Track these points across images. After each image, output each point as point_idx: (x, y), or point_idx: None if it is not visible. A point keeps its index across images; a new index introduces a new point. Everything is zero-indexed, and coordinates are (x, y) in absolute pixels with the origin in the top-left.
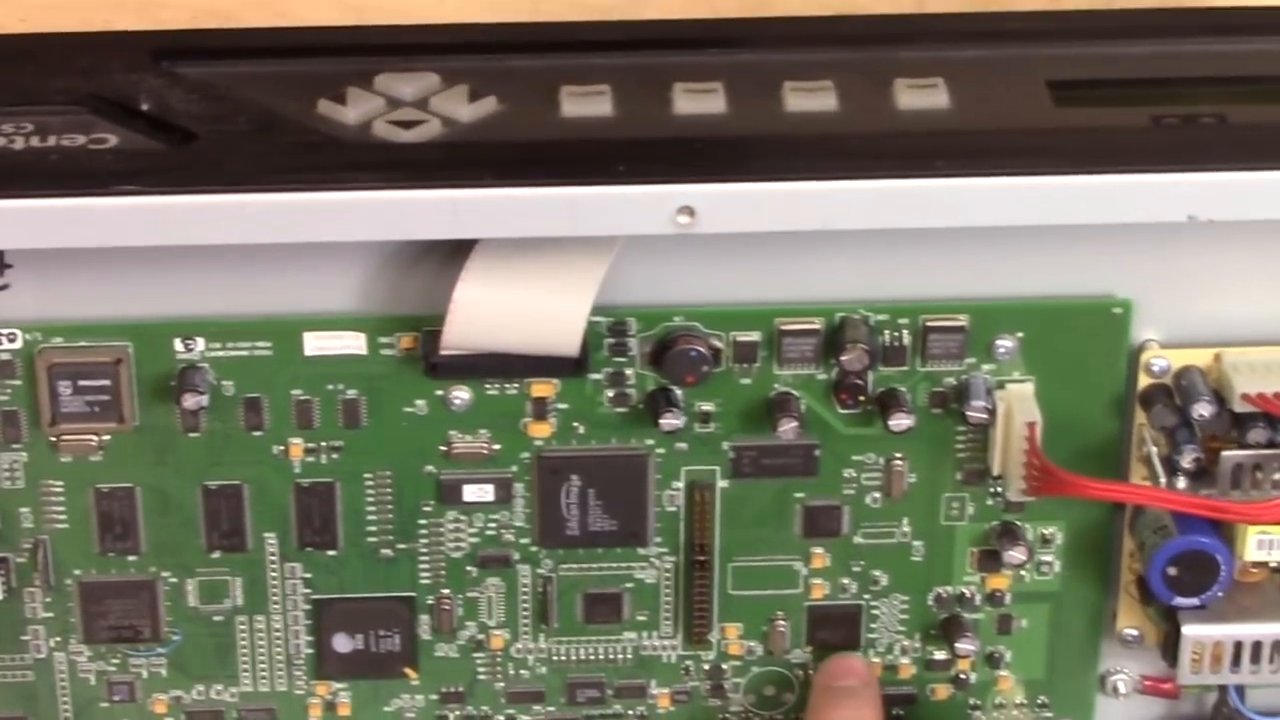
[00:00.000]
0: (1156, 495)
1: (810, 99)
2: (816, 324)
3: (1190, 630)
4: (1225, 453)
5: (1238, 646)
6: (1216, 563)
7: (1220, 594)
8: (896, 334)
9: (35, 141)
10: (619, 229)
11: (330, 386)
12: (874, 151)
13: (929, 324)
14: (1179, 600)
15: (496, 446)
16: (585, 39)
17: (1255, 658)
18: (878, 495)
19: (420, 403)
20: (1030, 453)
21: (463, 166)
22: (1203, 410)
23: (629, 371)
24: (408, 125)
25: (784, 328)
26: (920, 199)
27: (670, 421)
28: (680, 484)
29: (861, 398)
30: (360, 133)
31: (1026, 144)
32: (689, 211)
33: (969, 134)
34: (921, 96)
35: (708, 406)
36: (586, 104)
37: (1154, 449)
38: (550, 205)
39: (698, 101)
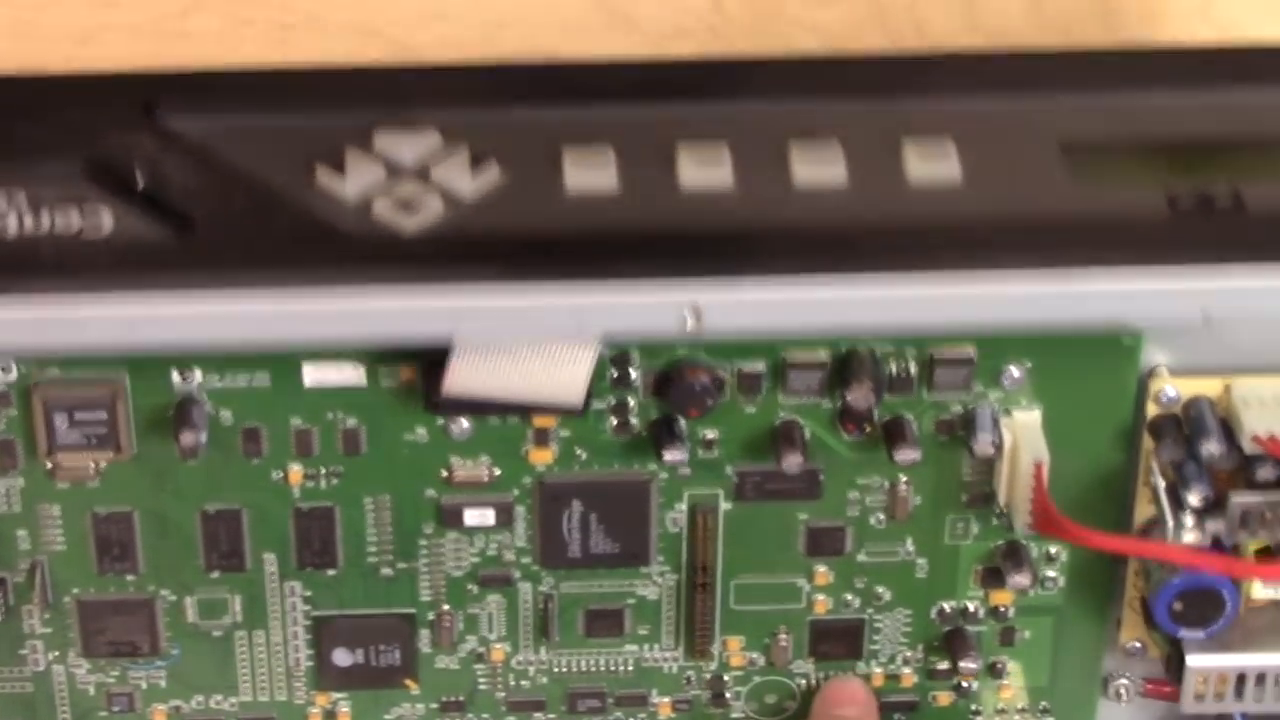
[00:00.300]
0: (1164, 550)
1: (818, 168)
2: (823, 356)
3: (1195, 661)
4: (1234, 497)
5: (1241, 677)
6: (1222, 598)
7: (1225, 627)
8: (903, 364)
9: (29, 221)
10: (625, 331)
11: (330, 415)
12: (884, 246)
13: (935, 356)
14: (1184, 633)
15: (497, 472)
16: (588, 85)
17: (1260, 684)
18: (881, 516)
19: (421, 430)
20: (1037, 496)
21: (464, 267)
22: (1211, 449)
23: (632, 401)
24: (409, 208)
25: (790, 359)
26: (931, 300)
27: (674, 455)
28: (683, 506)
29: (867, 427)
30: (360, 215)
31: (1039, 240)
32: (696, 315)
33: (981, 224)
34: (931, 165)
35: (711, 434)
36: (590, 173)
37: (1161, 482)
38: (553, 312)
39: (703, 171)
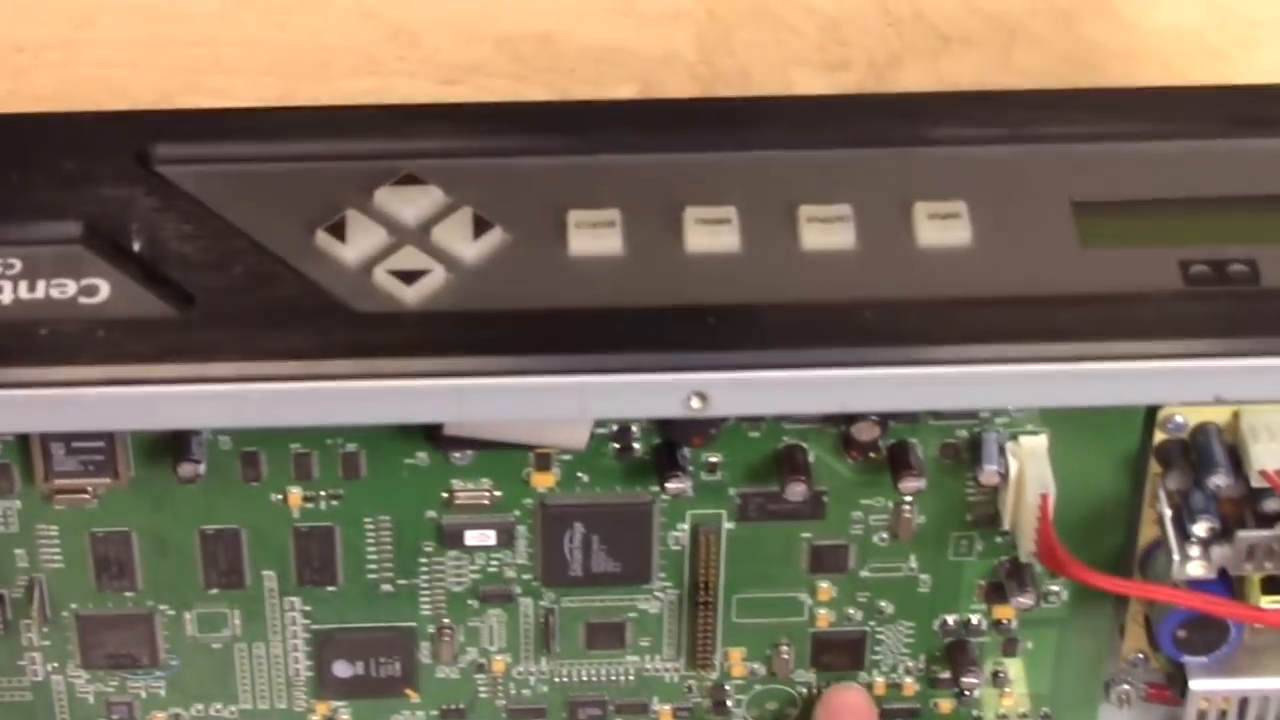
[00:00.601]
0: (1167, 594)
1: (827, 234)
2: None
3: (1198, 685)
4: (1241, 533)
5: (1244, 701)
6: (1227, 627)
7: (1229, 654)
8: None
9: (24, 291)
10: (631, 414)
11: (329, 441)
12: (892, 330)
13: None
14: (1188, 659)
15: (498, 494)
16: (592, 130)
17: (1263, 711)
18: (885, 535)
19: (421, 455)
20: (1042, 526)
21: (466, 346)
22: (1218, 482)
23: (634, 428)
24: (410, 277)
25: None
26: (938, 387)
27: (677, 485)
28: (685, 526)
29: (872, 454)
30: (360, 282)
31: (1050, 318)
32: (702, 398)
33: (991, 302)
34: (942, 231)
35: (714, 459)
36: (595, 239)
37: (1168, 512)
38: (558, 394)
39: (710, 236)
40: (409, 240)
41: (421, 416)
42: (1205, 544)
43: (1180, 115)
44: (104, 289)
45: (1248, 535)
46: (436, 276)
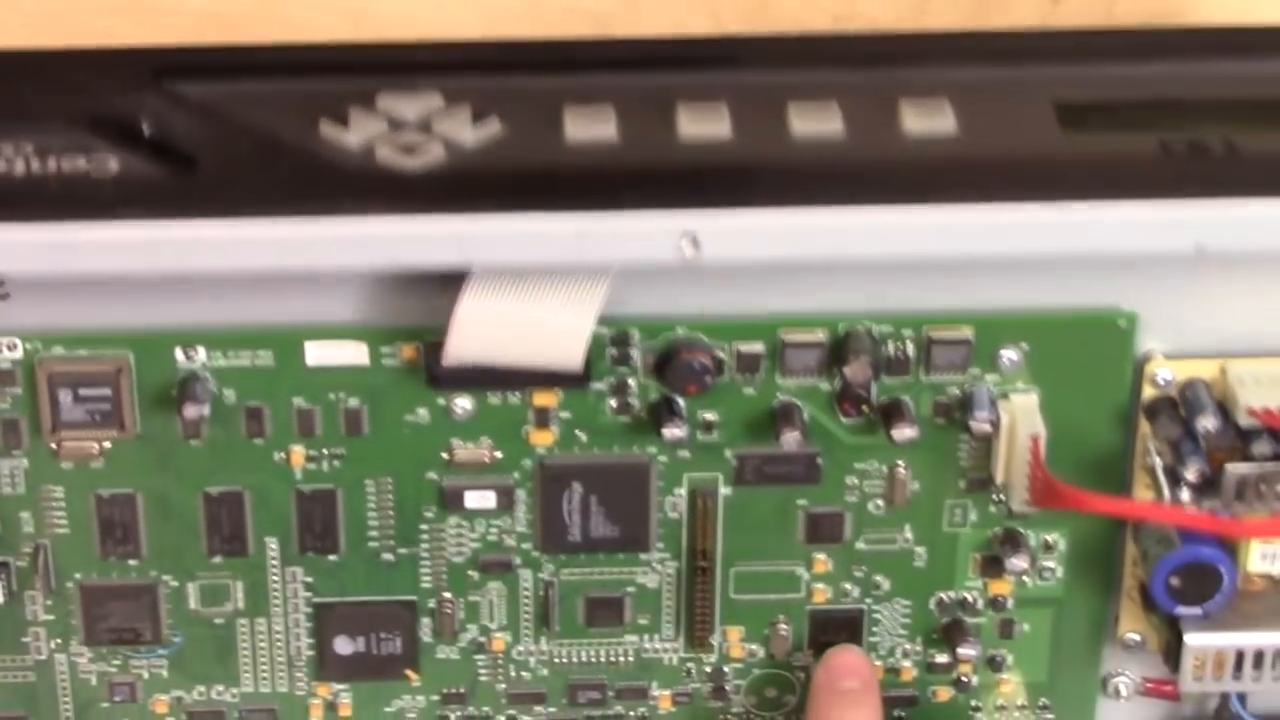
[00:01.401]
0: (1159, 511)
1: (815, 122)
2: (820, 336)
3: (1192, 639)
4: (1229, 466)
5: (1240, 655)
6: (1219, 574)
7: (1223, 604)
8: (900, 345)
9: (36, 165)
10: (624, 259)
11: (332, 396)
12: (880, 179)
13: (933, 337)
14: (1182, 610)
15: (498, 454)
16: (589, 57)
17: (1258, 665)
18: (880, 503)
19: (422, 411)
20: (1034, 466)
21: (466, 195)
22: (1207, 424)
23: (631, 381)
24: (410, 150)
25: (788, 339)
26: (926, 228)
27: (673, 431)
28: (682, 491)
29: (865, 408)
30: (363, 157)
31: (1032, 172)
32: (694, 242)
33: (975, 161)
34: (927, 120)
35: (710, 416)
36: (590, 126)
37: (1158, 460)
38: (554, 236)
39: (702, 124)
40: (410, 127)
41: (421, 261)
42: (1196, 490)
43: (1158, 44)
44: (113, 164)
45: (1237, 468)
46: (437, 151)
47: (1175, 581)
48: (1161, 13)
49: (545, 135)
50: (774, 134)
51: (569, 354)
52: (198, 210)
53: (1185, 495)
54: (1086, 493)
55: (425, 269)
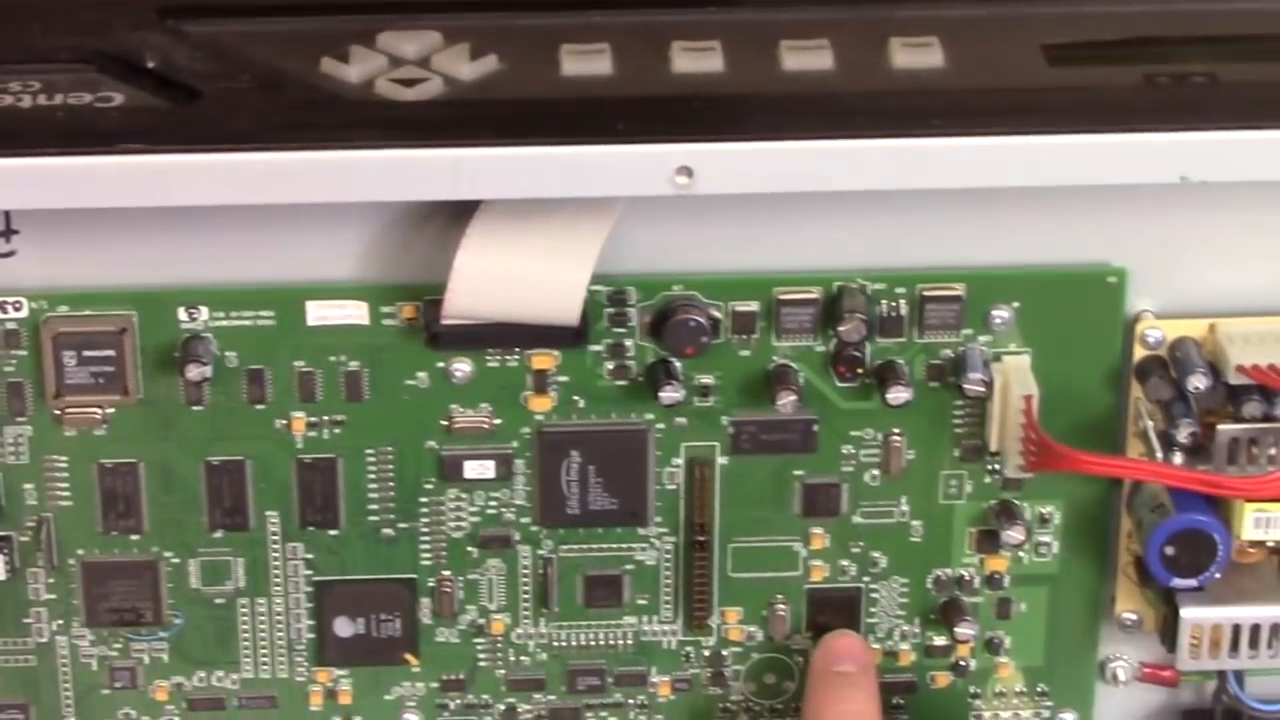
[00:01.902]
0: (1152, 470)
1: (806, 58)
2: (814, 293)
3: (1189, 613)
4: (1221, 427)
5: (1236, 630)
6: (1214, 542)
7: (1218, 574)
8: (894, 304)
9: (42, 99)
10: (618, 189)
11: (332, 358)
12: (870, 111)
13: (925, 294)
14: (1177, 581)
15: (497, 421)
16: None
17: (1254, 642)
18: (876, 473)
19: (421, 375)
20: (1027, 427)
21: (463, 125)
22: (1197, 383)
23: (629, 343)
24: (409, 84)
25: (782, 297)
26: (914, 158)
27: (670, 394)
28: (680, 460)
29: (859, 370)
30: (362, 91)
31: (1019, 103)
32: (687, 172)
33: (962, 93)
34: (916, 56)
35: (707, 379)
36: (586, 62)
37: (1150, 423)
38: (549, 165)
39: (695, 60)
40: (409, 63)
41: (419, 191)
42: (1188, 452)
43: None
44: (118, 98)
45: (1228, 429)
46: (435, 85)
47: (1170, 551)
48: None
49: (542, 71)
50: (766, 69)
51: (566, 307)
52: (200, 141)
53: (1177, 458)
54: (1079, 453)
55: (423, 199)
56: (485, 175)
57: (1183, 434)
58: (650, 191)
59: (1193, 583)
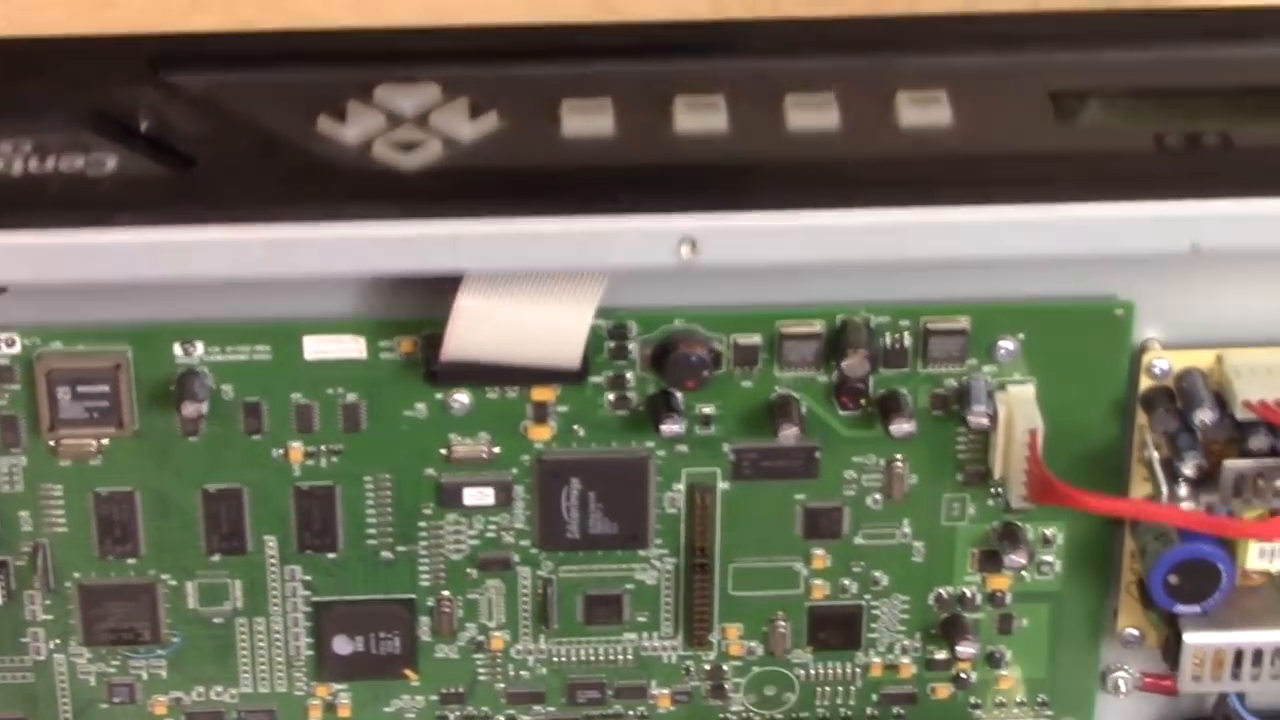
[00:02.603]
0: (1157, 511)
1: (812, 114)
2: (818, 327)
3: (1191, 638)
4: (1227, 463)
5: (1239, 654)
6: (1218, 571)
7: (1221, 601)
8: (898, 336)
9: (34, 164)
10: (621, 261)
11: (330, 390)
12: (877, 179)
13: (930, 327)
14: (1180, 608)
15: (496, 449)
16: (586, 44)
17: (1256, 664)
18: (878, 497)
19: (420, 406)
20: (1031, 462)
21: (463, 197)
22: (1204, 417)
23: (629, 375)
24: (408, 147)
25: (785, 331)
26: (921, 230)
27: (671, 427)
28: (681, 486)
29: (863, 400)
30: (360, 155)
31: (1028, 172)
32: (691, 244)
33: (971, 158)
34: (924, 112)
35: (708, 409)
36: (587, 120)
37: (1155, 454)
38: (551, 239)
39: (699, 117)
40: (407, 123)
41: (419, 264)
42: (1194, 484)
43: (1154, 28)
44: (111, 162)
45: (1235, 464)
46: (434, 149)
47: (1174, 579)
48: None
49: (543, 129)
50: (770, 128)
51: (568, 352)
52: (195, 211)
53: (1183, 490)
54: (1084, 492)
55: (422, 271)
56: (485, 249)
57: (1188, 467)
58: (654, 264)
59: (1196, 609)
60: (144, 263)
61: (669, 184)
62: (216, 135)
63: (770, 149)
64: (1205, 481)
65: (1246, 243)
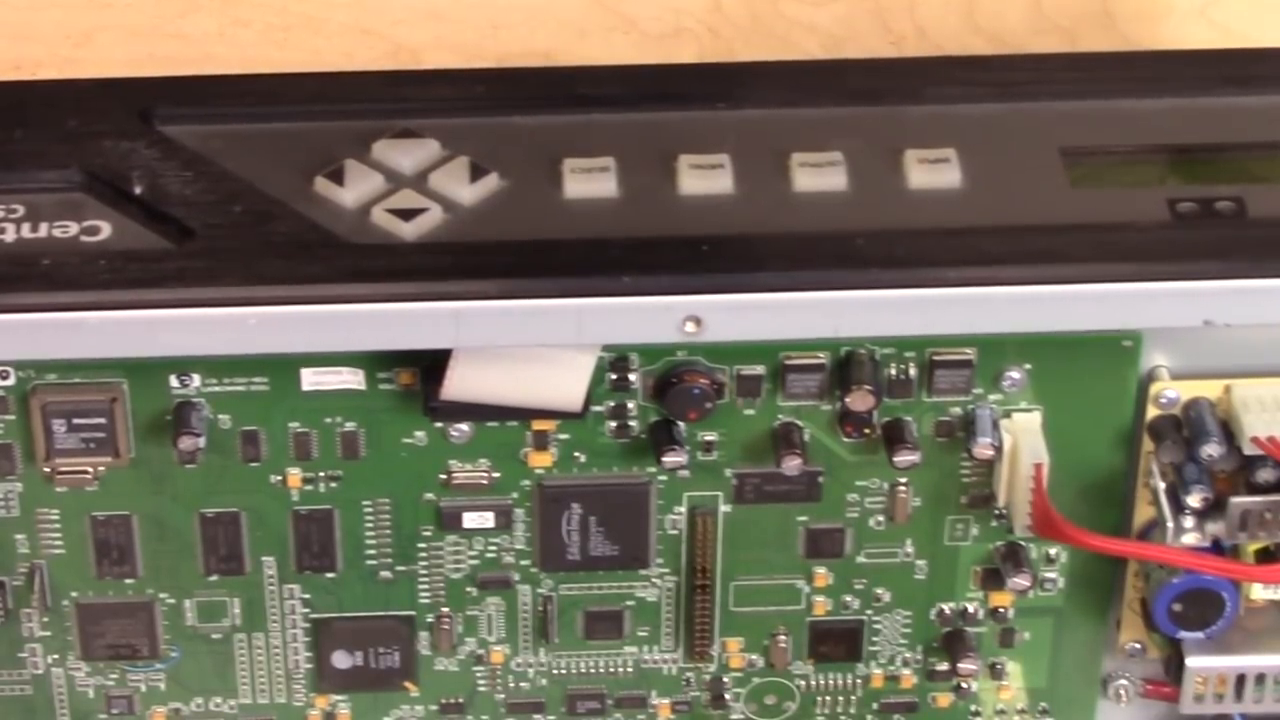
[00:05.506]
0: (1161, 552)
1: (819, 176)
2: (821, 358)
3: (1194, 662)
4: (1234, 500)
5: (1241, 678)
6: (1222, 600)
7: (1225, 627)
8: (903, 367)
9: (27, 230)
10: (624, 338)
11: (328, 420)
12: (884, 255)
13: (935, 358)
14: (1184, 634)
15: (496, 475)
16: (587, 90)
17: (1259, 685)
18: (881, 519)
19: (419, 434)
20: (1036, 495)
21: (464, 272)
22: (1211, 451)
23: (631, 405)
24: (407, 215)
25: (789, 362)
26: (929, 308)
27: (673, 459)
28: (682, 509)
29: (867, 430)
30: (359, 220)
31: (1038, 246)
32: (696, 321)
33: (981, 231)
34: (932, 174)
35: (710, 436)
36: (589, 183)
37: (1161, 484)
38: (554, 317)
39: (704, 180)
40: (406, 184)
41: (418, 341)
42: (1199, 515)
43: (1166, 75)
44: (105, 229)
45: (1241, 502)
46: (434, 215)
47: (1178, 607)
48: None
49: (544, 193)
50: (777, 191)
51: (569, 396)
52: (194, 290)
53: (1188, 520)
54: (1087, 533)
55: (423, 348)
56: (487, 326)
57: (1195, 499)
58: (658, 340)
59: (1199, 636)
60: (140, 341)
61: (673, 257)
62: (212, 201)
63: (776, 217)
64: (1211, 511)
65: (1259, 319)
